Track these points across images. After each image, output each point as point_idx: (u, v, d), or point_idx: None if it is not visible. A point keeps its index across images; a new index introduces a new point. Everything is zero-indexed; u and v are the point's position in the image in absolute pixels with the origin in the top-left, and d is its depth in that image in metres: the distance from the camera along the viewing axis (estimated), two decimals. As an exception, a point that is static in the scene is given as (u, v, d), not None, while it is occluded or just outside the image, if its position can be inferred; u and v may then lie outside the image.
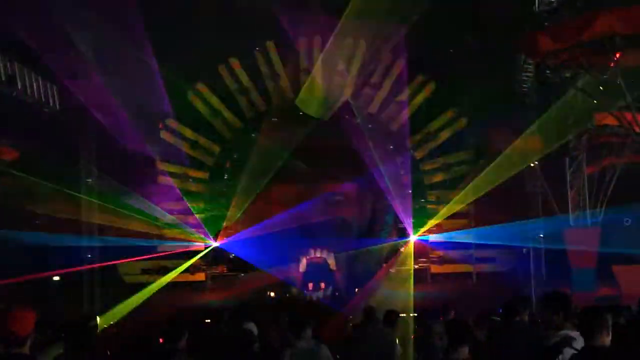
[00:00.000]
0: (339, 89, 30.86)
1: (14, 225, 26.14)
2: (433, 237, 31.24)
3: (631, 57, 21.81)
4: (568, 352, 7.44)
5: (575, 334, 7.56)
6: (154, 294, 29.33)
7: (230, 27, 28.30)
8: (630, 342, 7.92)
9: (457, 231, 31.16)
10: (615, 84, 22.16)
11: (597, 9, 20.88)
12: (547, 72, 23.66)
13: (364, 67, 30.61)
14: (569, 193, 26.69)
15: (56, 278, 28.86)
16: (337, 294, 29.35)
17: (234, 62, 30.85)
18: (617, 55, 21.34)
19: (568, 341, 7.49)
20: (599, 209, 26.63)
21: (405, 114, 30.97)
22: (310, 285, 29.69)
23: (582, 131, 24.30)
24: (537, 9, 23.44)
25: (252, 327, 10.76)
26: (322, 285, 29.57)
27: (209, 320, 19.54)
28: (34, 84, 25.09)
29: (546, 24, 22.58)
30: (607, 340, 6.55)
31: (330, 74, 30.57)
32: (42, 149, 26.55)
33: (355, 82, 30.85)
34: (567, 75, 23.62)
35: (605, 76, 22.47)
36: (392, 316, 12.36)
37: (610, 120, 24.64)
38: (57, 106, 26.48)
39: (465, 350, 7.82)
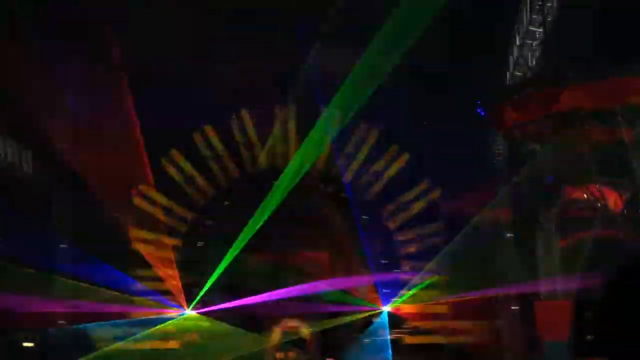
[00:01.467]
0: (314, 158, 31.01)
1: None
2: (407, 308, 31.14)
3: (597, 132, 22.01)
4: None
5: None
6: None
7: (206, 94, 28.44)
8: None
9: (431, 301, 31.09)
10: (582, 157, 22.31)
11: (564, 83, 21.07)
12: (515, 144, 23.84)
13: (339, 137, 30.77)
14: (540, 266, 26.66)
15: (28, 344, 28.60)
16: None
17: (209, 130, 30.90)
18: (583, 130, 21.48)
19: None
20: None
21: (380, 184, 31.01)
22: (280, 355, 29.49)
23: (552, 204, 24.30)
24: (507, 82, 23.70)
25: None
26: (290, 355, 29.39)
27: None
28: (8, 149, 25.12)
29: (514, 96, 22.79)
30: None
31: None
32: (14, 213, 26.52)
33: (330, 152, 30.97)
34: (536, 147, 23.79)
35: (572, 149, 22.65)
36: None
37: (579, 194, 24.77)
38: (30, 170, 26.48)
39: None
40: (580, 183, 24.14)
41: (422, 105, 28.48)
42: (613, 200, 24.11)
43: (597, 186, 23.05)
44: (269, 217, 29.71)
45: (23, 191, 27.00)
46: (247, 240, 29.59)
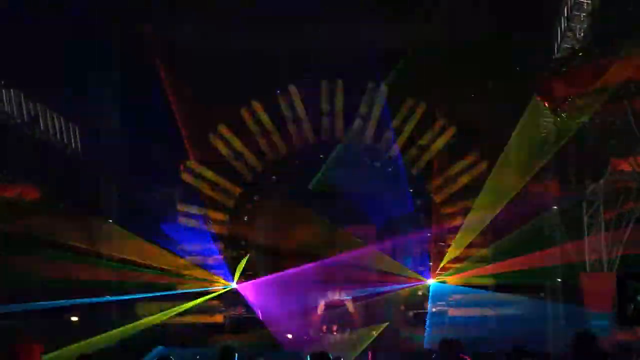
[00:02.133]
0: (361, 132, 31.11)
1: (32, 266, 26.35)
2: (451, 280, 31.21)
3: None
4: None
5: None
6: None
7: (252, 69, 28.56)
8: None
9: (476, 275, 31.13)
10: (629, 130, 22.26)
11: (613, 57, 20.99)
12: (564, 117, 23.80)
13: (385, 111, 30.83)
14: (585, 238, 26.61)
15: (74, 318, 28.92)
16: (353, 336, 29.28)
17: (256, 105, 31.03)
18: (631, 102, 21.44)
19: None
20: (616, 255, 26.55)
21: (425, 158, 31.04)
22: (324, 327, 29.62)
23: (599, 176, 24.23)
24: (556, 56, 23.66)
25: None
26: (334, 328, 29.52)
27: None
28: (56, 125, 25.36)
29: (562, 69, 22.74)
30: None
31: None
32: (62, 189, 26.81)
33: (376, 126, 31.05)
34: (582, 120, 23.76)
35: (618, 122, 22.64)
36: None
37: (625, 166, 24.71)
38: (78, 147, 26.73)
39: None
40: (627, 155, 24.07)
41: (469, 78, 28.48)
42: (659, 171, 24.09)
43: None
44: (317, 192, 29.92)
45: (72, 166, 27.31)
46: (294, 215, 29.82)
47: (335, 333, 29.25)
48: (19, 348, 5.50)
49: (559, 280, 29.44)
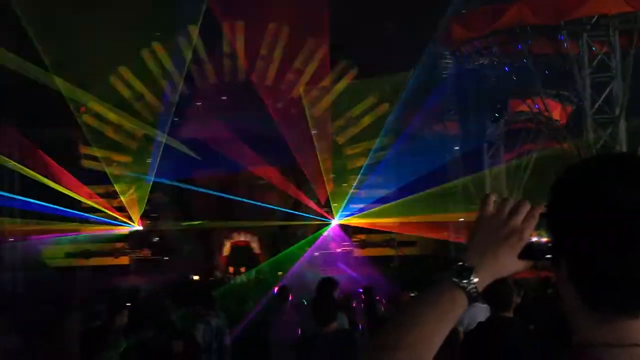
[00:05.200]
0: (262, 73, 31.07)
1: None
2: (355, 221, 31.54)
3: (542, 46, 22.37)
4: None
5: (483, 306, 7.84)
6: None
7: (154, 10, 28.25)
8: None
9: (379, 216, 31.50)
10: (526, 71, 22.68)
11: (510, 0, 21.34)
12: (463, 59, 24.14)
13: (287, 52, 30.82)
14: (487, 179, 27.10)
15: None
16: (261, 277, 29.40)
17: (157, 46, 30.73)
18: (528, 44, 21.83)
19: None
20: (516, 193, 27.09)
21: (328, 99, 31.14)
22: (231, 269, 29.74)
23: (498, 117, 24.67)
24: (453, -1, 23.91)
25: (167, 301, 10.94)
26: (242, 269, 29.62)
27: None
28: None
29: (461, 13, 23.02)
30: (511, 312, 6.86)
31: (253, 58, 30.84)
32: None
33: (278, 67, 31.03)
34: (482, 62, 24.11)
35: (517, 64, 23.06)
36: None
37: (524, 107, 25.17)
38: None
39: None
40: (525, 96, 24.49)
41: (371, 19, 28.61)
42: (558, 112, 24.52)
43: (542, 99, 23.39)
44: (220, 133, 29.85)
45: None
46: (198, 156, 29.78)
47: (242, 274, 29.36)
48: None
49: (462, 219, 29.99)
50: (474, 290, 1.92)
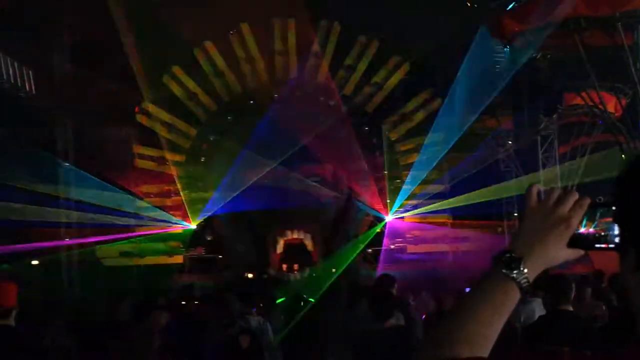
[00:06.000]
0: (314, 71, 31.11)
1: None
2: (409, 217, 31.50)
3: (596, 38, 22.14)
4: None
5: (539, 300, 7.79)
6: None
7: (205, 10, 28.42)
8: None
9: (433, 211, 31.45)
10: (581, 64, 22.47)
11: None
12: (516, 53, 23.98)
13: (339, 49, 30.84)
14: (540, 172, 26.91)
15: (35, 262, 28.87)
16: (314, 275, 29.44)
17: (209, 45, 30.87)
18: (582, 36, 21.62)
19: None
20: (571, 188, 26.84)
21: (380, 96, 31.12)
22: (285, 266, 29.79)
23: (553, 111, 24.47)
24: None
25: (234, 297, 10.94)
26: (296, 267, 29.67)
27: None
28: (10, 69, 25.18)
29: (514, 5, 22.86)
30: (570, 305, 6.82)
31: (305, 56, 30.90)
32: (17, 133, 26.67)
33: (330, 64, 31.04)
34: (536, 55, 23.92)
35: (571, 57, 22.86)
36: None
37: (579, 101, 24.96)
38: (33, 90, 26.57)
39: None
40: (579, 89, 24.30)
41: (422, 14, 28.53)
42: (612, 105, 24.29)
43: (597, 92, 23.17)
44: (271, 131, 29.94)
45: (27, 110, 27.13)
46: (250, 154, 29.89)
47: (295, 272, 29.43)
48: None
49: (516, 214, 29.87)
50: (525, 281, 1.93)
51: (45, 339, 7.84)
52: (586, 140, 26.81)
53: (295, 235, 30.36)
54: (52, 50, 28.68)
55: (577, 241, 2.00)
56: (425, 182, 31.28)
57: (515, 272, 1.95)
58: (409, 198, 31.44)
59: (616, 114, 24.56)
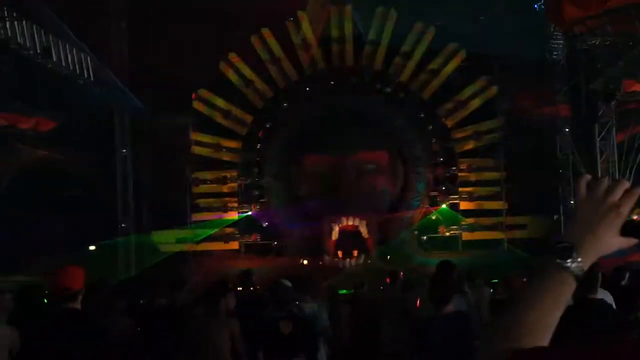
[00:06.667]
0: (370, 58, 31.11)
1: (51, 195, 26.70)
2: (464, 205, 31.44)
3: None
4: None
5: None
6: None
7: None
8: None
9: (489, 198, 31.37)
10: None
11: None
12: (575, 39, 23.80)
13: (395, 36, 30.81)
14: (598, 159, 26.67)
15: (92, 247, 29.16)
16: (369, 261, 29.40)
17: (266, 32, 30.95)
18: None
19: None
20: (629, 175, 26.60)
21: (436, 83, 31.04)
22: (340, 252, 29.78)
23: (611, 98, 24.19)
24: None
25: (288, 283, 10.95)
26: (355, 252, 29.64)
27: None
28: (69, 56, 25.43)
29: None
30: (597, 294, 6.80)
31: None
32: (77, 120, 26.98)
33: (386, 51, 31.03)
34: (595, 42, 23.73)
35: (631, 43, 22.64)
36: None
37: (637, 87, 24.69)
38: (92, 77, 26.83)
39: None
40: (639, 76, 24.05)
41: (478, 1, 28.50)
42: (671, 91, 24.08)
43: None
44: (329, 117, 30.00)
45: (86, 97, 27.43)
46: (306, 141, 29.99)
47: (350, 259, 29.41)
48: (63, 272, 5.57)
49: (572, 202, 29.63)
50: (579, 269, 1.95)
51: (108, 323, 7.92)
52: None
53: (350, 222, 30.27)
54: (110, 37, 29.02)
55: (630, 229, 2.01)
56: (480, 169, 31.27)
57: (568, 261, 1.98)
58: (464, 185, 31.41)
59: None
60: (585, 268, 2.00)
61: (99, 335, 6.38)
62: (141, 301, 12.66)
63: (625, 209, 2.00)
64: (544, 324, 1.96)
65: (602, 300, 6.62)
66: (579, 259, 1.99)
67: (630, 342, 1.86)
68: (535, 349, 1.92)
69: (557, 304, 1.99)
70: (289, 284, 9.37)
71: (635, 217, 2.01)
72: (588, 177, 2.12)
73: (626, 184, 2.03)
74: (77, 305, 6.29)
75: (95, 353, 6.20)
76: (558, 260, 1.99)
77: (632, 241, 2.02)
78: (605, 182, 2.04)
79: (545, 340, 1.95)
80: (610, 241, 2.02)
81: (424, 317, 8.83)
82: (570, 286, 2.00)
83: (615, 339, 1.94)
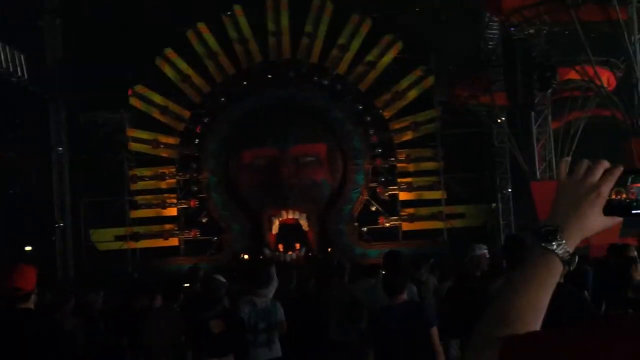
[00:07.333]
0: (307, 51, 31.10)
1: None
2: (404, 195, 31.57)
3: (592, 13, 22.20)
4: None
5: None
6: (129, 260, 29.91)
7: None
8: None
9: (428, 188, 31.55)
10: (577, 39, 22.51)
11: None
12: (512, 29, 24.00)
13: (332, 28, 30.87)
14: (535, 147, 26.95)
15: (28, 248, 28.90)
16: (310, 254, 29.47)
17: (202, 27, 30.83)
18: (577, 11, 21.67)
19: None
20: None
21: (373, 74, 31.13)
22: (281, 246, 29.79)
23: (547, 86, 24.44)
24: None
25: (222, 279, 10.87)
26: (297, 246, 29.67)
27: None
28: (1, 54, 25.14)
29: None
30: (561, 278, 6.85)
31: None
32: (12, 118, 26.71)
33: (322, 44, 31.05)
34: (531, 31, 23.97)
35: (566, 32, 22.92)
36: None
37: (573, 75, 24.99)
38: (25, 75, 26.56)
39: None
40: (574, 64, 24.34)
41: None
42: (606, 78, 24.34)
43: (593, 66, 23.20)
44: (265, 111, 30.03)
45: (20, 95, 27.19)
46: (244, 136, 29.99)
47: (291, 252, 29.41)
48: (15, 271, 5.41)
49: (510, 189, 30.03)
50: (565, 251, 1.97)
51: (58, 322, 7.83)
52: (579, 114, 26.86)
53: (290, 216, 30.29)
54: (44, 34, 28.79)
55: (612, 208, 2.03)
56: (419, 159, 31.47)
57: (553, 243, 1.99)
58: (402, 176, 31.57)
59: (609, 88, 24.64)
60: (571, 250, 2.01)
61: (56, 335, 6.29)
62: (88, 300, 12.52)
63: (606, 189, 2.01)
64: (533, 309, 1.97)
65: (566, 284, 6.65)
66: (564, 242, 2.00)
67: (625, 323, 1.87)
68: (528, 334, 1.93)
69: (545, 288, 2.00)
70: (222, 279, 9.29)
71: (614, 196, 2.02)
72: (568, 159, 2.13)
73: (606, 164, 2.04)
74: (30, 304, 6.19)
75: (51, 353, 6.11)
76: (543, 244, 2.00)
77: (615, 220, 2.04)
78: (585, 163, 2.05)
79: (537, 325, 1.96)
80: (594, 222, 2.03)
81: (377, 307, 8.85)
82: (557, 269, 2.01)
83: (606, 322, 1.95)
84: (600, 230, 2.07)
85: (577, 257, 11.60)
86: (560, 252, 2.00)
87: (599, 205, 2.01)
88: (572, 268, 11.46)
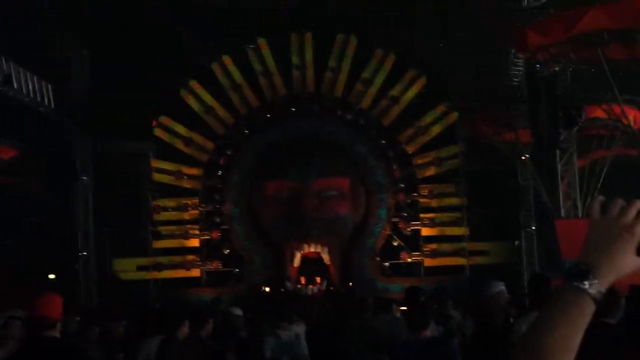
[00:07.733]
0: (331, 85, 31.19)
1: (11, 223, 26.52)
2: (426, 231, 31.48)
3: (618, 51, 22.16)
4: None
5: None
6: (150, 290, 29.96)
7: (221, 25, 28.67)
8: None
9: (450, 224, 31.45)
10: (603, 77, 22.47)
11: (586, 5, 21.14)
12: (537, 66, 23.98)
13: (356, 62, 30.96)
14: (559, 185, 26.84)
15: (52, 276, 28.94)
16: (331, 288, 29.39)
17: (227, 59, 31.00)
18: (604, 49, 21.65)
19: None
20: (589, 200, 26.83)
21: (397, 109, 31.16)
22: (303, 279, 29.76)
23: (573, 124, 24.38)
24: (526, 4, 23.83)
25: (239, 312, 10.91)
26: (318, 279, 29.60)
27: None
28: (29, 83, 25.29)
29: (537, 19, 22.90)
30: (614, 319, 6.76)
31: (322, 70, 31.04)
32: (38, 147, 26.87)
33: (346, 78, 31.13)
34: (556, 69, 23.95)
35: (593, 70, 22.89)
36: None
37: (599, 113, 24.95)
38: (52, 105, 26.70)
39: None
40: (600, 102, 24.31)
41: (439, 28, 28.69)
42: (633, 117, 24.31)
43: (620, 104, 23.17)
44: (288, 144, 30.13)
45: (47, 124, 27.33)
46: (267, 168, 30.08)
47: (312, 286, 29.35)
48: (41, 299, 5.38)
49: (534, 227, 29.89)
50: (597, 291, 1.96)
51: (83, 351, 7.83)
52: (605, 153, 26.78)
53: (312, 249, 30.30)
54: (71, 65, 28.99)
55: None
56: (442, 195, 31.39)
57: (585, 282, 1.99)
58: (425, 211, 31.49)
59: (635, 127, 24.59)
60: (603, 290, 2.01)
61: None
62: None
63: (639, 228, 2.01)
64: (565, 347, 1.97)
65: (617, 325, 6.59)
66: (596, 281, 1.99)
67: None
68: None
69: (577, 328, 1.99)
70: (240, 312, 9.30)
71: None
72: (601, 198, 2.13)
73: (639, 204, 2.04)
74: (56, 333, 6.20)
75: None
76: (575, 283, 1.99)
77: None
78: (619, 202, 2.05)
79: None
80: (626, 261, 2.03)
81: (399, 341, 8.83)
82: (588, 309, 2.00)
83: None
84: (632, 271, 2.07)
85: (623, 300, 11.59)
86: (593, 291, 1.99)
87: (633, 245, 2.01)
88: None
